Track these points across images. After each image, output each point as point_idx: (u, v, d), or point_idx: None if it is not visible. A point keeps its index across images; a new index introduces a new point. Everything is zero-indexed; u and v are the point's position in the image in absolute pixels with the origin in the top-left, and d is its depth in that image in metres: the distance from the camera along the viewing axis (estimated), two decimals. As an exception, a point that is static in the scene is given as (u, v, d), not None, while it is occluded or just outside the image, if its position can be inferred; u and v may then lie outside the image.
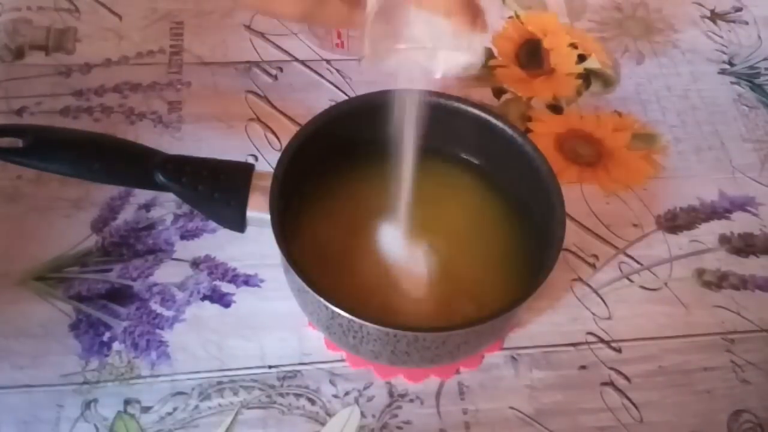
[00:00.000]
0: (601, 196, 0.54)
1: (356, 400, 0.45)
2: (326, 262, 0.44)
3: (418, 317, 0.42)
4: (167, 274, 0.49)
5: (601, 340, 0.48)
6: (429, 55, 0.36)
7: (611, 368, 0.47)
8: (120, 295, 0.48)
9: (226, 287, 0.48)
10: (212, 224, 0.50)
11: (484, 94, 0.59)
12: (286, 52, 0.60)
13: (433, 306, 0.44)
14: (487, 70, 0.60)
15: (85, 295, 0.47)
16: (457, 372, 0.46)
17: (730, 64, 0.63)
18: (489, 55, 0.61)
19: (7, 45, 0.58)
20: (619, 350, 0.48)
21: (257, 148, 0.54)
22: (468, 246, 0.46)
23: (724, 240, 0.53)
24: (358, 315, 0.38)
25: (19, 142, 0.41)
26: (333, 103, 0.47)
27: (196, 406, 0.44)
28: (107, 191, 0.51)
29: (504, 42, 0.62)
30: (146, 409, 0.44)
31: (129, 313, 0.47)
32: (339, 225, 0.46)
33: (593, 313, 0.49)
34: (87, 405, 0.44)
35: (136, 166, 0.42)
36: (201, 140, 0.54)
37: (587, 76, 0.61)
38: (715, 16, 0.66)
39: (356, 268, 0.44)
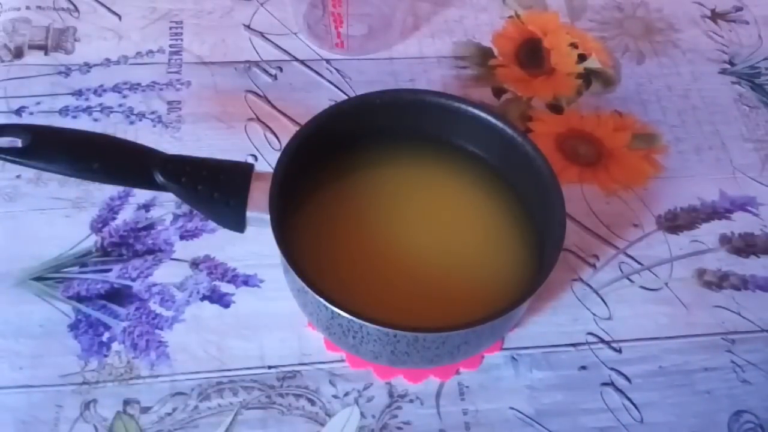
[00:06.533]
0: (602, 196, 0.54)
1: (356, 401, 0.45)
2: (326, 262, 0.44)
3: (418, 317, 0.42)
4: (167, 274, 0.49)
5: (602, 341, 0.48)
6: None
7: (611, 368, 0.47)
8: (119, 296, 0.47)
9: (225, 287, 0.48)
10: (212, 224, 0.50)
11: (484, 94, 0.59)
12: (285, 51, 0.60)
13: (432, 306, 0.43)
14: (487, 70, 0.60)
15: (85, 295, 0.47)
16: (457, 372, 0.46)
17: (731, 63, 0.63)
18: (489, 54, 0.61)
19: (6, 44, 0.58)
20: (619, 350, 0.48)
21: (257, 148, 0.54)
22: (468, 245, 0.46)
23: (725, 240, 0.53)
24: (358, 315, 0.38)
25: (18, 142, 0.41)
26: (333, 103, 0.47)
27: (196, 407, 0.44)
28: (107, 191, 0.51)
29: (504, 41, 0.62)
30: (146, 410, 0.44)
31: (128, 313, 0.47)
32: (339, 225, 0.46)
33: (593, 314, 0.49)
34: (86, 405, 0.44)
35: (135, 166, 0.42)
36: (200, 140, 0.54)
37: (587, 76, 0.61)
38: (715, 16, 0.66)
39: (356, 268, 0.44)
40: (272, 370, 0.46)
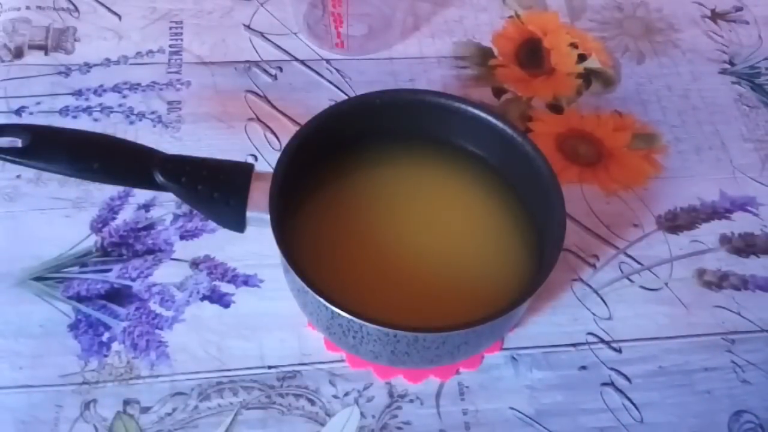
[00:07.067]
0: (602, 196, 0.54)
1: (356, 401, 0.45)
2: (326, 262, 0.44)
3: (418, 317, 0.42)
4: (167, 274, 0.49)
5: (602, 341, 0.48)
6: None
7: (611, 368, 0.47)
8: (119, 296, 0.47)
9: (225, 287, 0.48)
10: (212, 224, 0.50)
11: (484, 94, 0.59)
12: (285, 51, 0.60)
13: (433, 306, 0.43)
14: (487, 70, 0.60)
15: (85, 295, 0.47)
16: (457, 372, 0.46)
17: (731, 63, 0.63)
18: (489, 54, 0.61)
19: (6, 44, 0.58)
20: (619, 350, 0.48)
21: (257, 148, 0.54)
22: (469, 245, 0.46)
23: (725, 240, 0.53)
24: (358, 315, 0.38)
25: (18, 142, 0.41)
26: (333, 103, 0.47)
27: (196, 407, 0.44)
28: (107, 191, 0.51)
29: (504, 41, 0.62)
30: (145, 410, 0.44)
31: (128, 313, 0.47)
32: (339, 225, 0.46)
33: (593, 314, 0.49)
34: (86, 405, 0.44)
35: (135, 166, 0.42)
36: (200, 140, 0.54)
37: (587, 76, 0.61)
38: (715, 16, 0.66)
39: (356, 268, 0.44)
40: (272, 370, 0.46)
